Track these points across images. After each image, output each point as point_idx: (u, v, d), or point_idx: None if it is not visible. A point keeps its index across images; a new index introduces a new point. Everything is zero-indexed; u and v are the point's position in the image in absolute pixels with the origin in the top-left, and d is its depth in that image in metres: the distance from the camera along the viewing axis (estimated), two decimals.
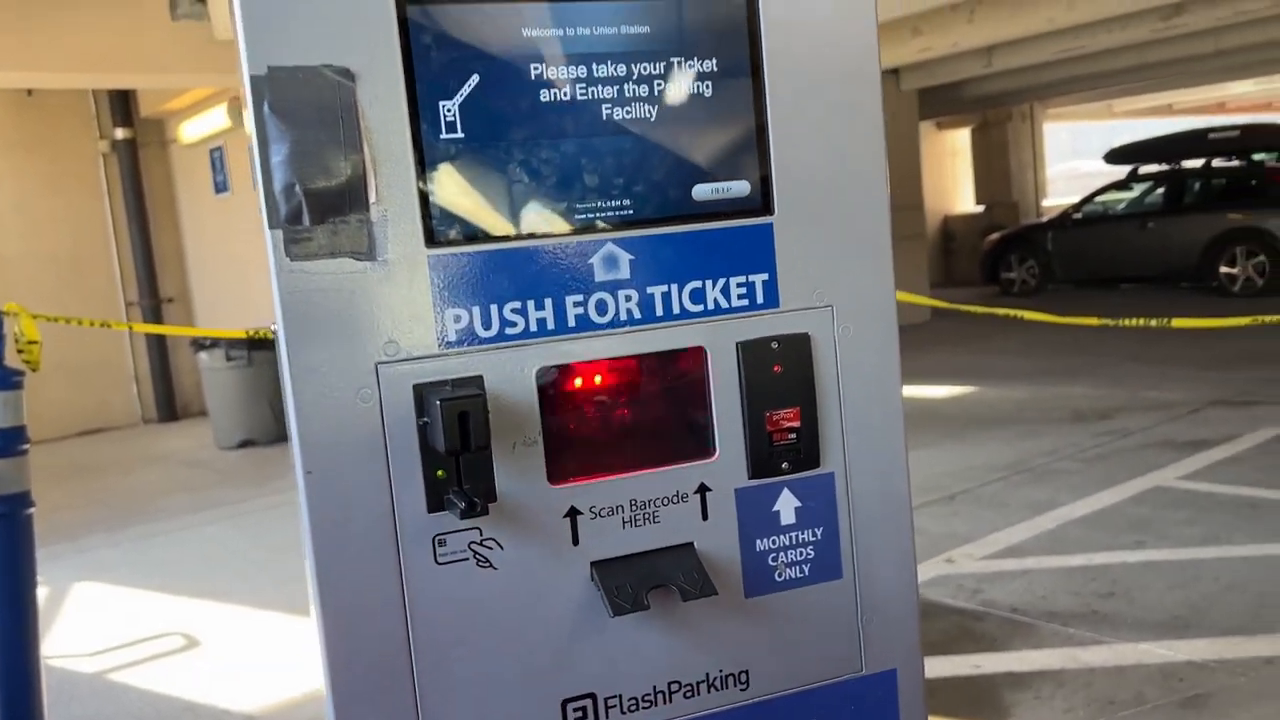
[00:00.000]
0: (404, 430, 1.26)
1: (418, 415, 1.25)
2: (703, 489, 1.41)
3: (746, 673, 1.44)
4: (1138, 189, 13.73)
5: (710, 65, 1.35)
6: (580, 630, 1.36)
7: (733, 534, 1.42)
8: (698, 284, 1.37)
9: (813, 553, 1.46)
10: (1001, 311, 5.95)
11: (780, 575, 1.45)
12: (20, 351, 3.83)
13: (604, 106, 1.31)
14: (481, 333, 1.28)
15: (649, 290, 1.35)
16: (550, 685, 1.36)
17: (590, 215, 1.32)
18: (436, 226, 1.25)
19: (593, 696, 1.38)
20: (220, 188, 10.77)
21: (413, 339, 1.26)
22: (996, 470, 6.16)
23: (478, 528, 1.29)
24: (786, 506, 1.44)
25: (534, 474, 1.32)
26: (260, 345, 8.69)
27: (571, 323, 1.33)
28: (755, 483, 1.42)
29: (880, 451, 1.49)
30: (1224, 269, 12.34)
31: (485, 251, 1.28)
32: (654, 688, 1.40)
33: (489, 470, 1.26)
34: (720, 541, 1.42)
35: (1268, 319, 4.89)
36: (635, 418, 1.39)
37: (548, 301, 1.31)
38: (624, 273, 1.35)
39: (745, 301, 1.40)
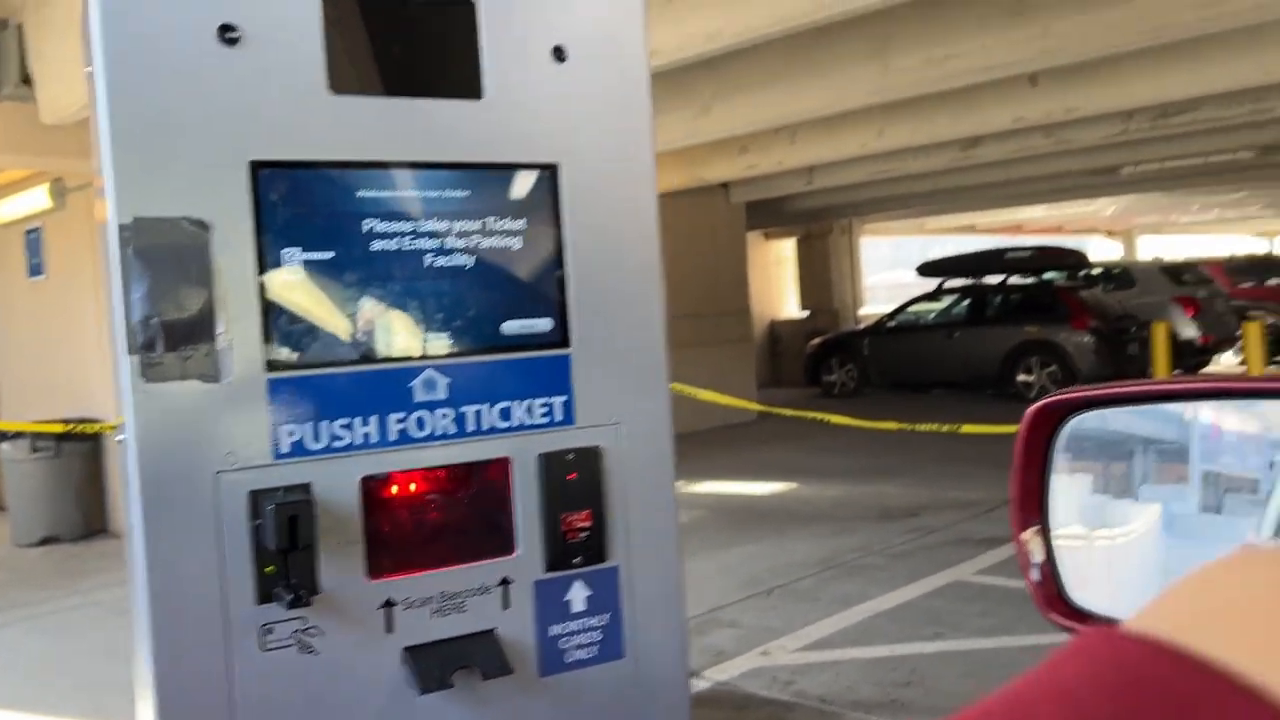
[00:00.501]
0: (238, 530, 1.44)
1: (251, 517, 1.44)
2: (504, 581, 1.63)
3: None
4: (946, 301, 14.81)
5: (519, 224, 1.62)
6: (393, 708, 1.54)
7: (530, 621, 1.64)
8: (506, 404, 1.62)
9: (600, 636, 1.69)
10: (810, 415, 6.38)
11: (570, 657, 1.68)
12: None
13: (427, 255, 1.56)
14: (311, 445, 1.49)
15: (463, 409, 1.59)
16: None
17: (413, 345, 1.56)
18: (275, 354, 1.46)
19: None
20: (35, 270, 10.40)
21: (250, 450, 1.45)
22: (811, 566, 6.53)
23: (302, 617, 1.47)
24: (578, 596, 1.68)
25: (354, 569, 1.51)
26: (71, 437, 8.37)
27: (393, 437, 1.54)
28: (551, 575, 1.66)
29: (658, 547, 1.75)
30: (1021, 377, 13.39)
31: (318, 375, 1.49)
32: None
33: (313, 566, 1.45)
34: (519, 627, 1.64)
35: None
36: (447, 519, 1.61)
37: (373, 419, 1.53)
38: (441, 394, 1.58)
39: (546, 419, 1.64)
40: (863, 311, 18.14)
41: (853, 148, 9.69)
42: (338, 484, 1.51)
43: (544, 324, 1.65)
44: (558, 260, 1.65)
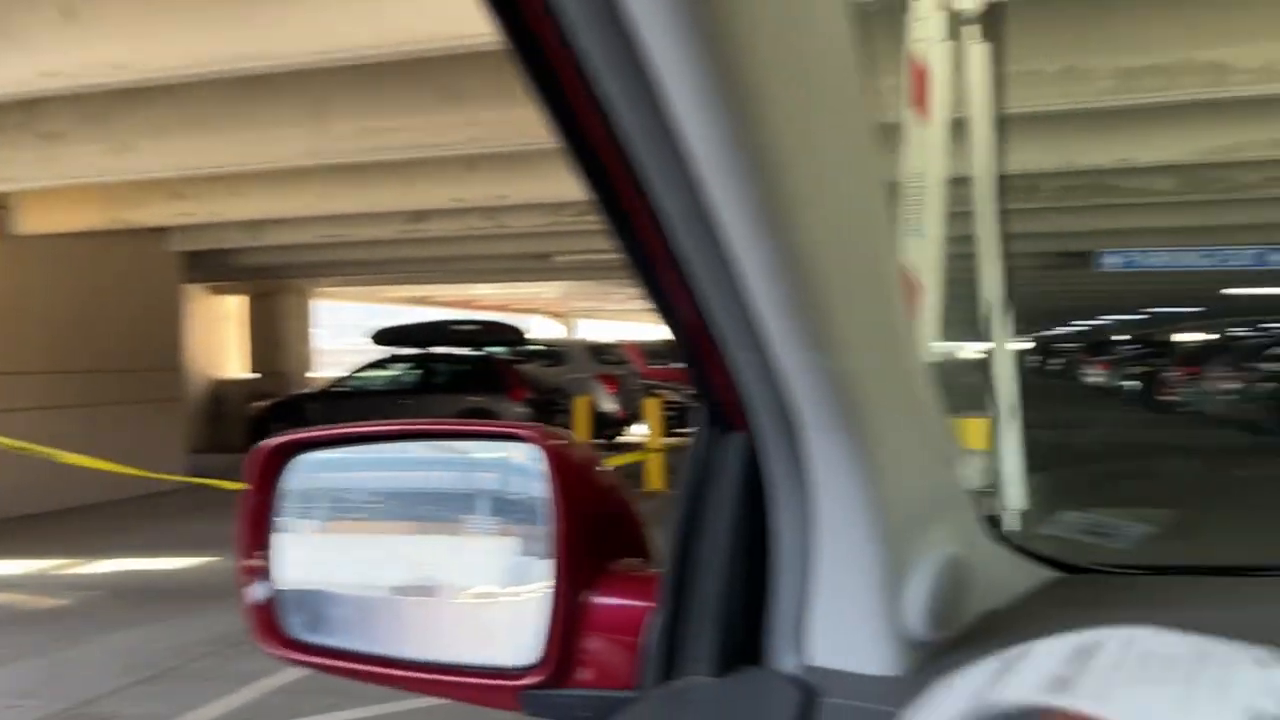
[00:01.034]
0: None
1: None
2: None
3: None
4: (398, 368, 15.04)
5: None
6: None
7: None
8: None
9: None
10: (196, 480, 6.05)
11: None
12: None
13: None
14: None
15: None
16: None
17: None
18: None
19: None
20: None
21: None
22: (214, 643, 6.12)
23: None
24: None
25: None
26: None
27: None
28: None
29: None
30: None
31: None
32: None
33: None
34: None
35: None
36: None
37: None
38: None
39: None
40: (314, 375, 17.75)
41: (297, 206, 9.52)
42: None
43: None
44: None
